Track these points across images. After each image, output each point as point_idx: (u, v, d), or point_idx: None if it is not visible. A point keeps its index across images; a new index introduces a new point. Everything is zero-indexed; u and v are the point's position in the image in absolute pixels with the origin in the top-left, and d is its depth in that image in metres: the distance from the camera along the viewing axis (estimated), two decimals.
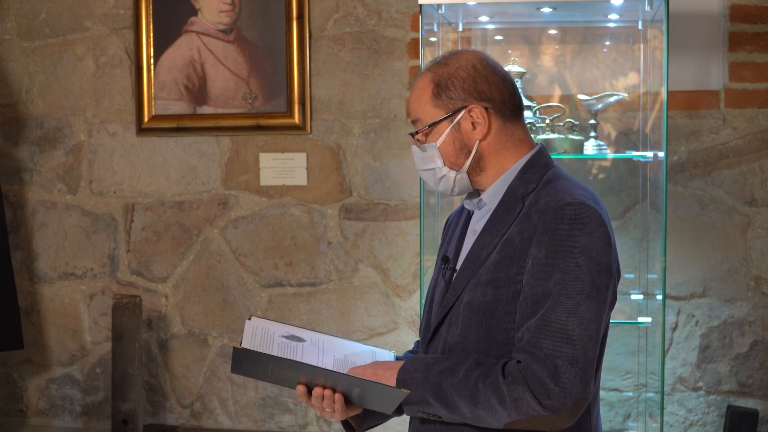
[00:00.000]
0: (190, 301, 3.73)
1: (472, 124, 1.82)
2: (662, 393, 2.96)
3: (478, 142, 1.83)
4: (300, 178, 3.62)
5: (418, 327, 3.38)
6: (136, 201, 3.75)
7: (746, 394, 3.38)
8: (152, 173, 3.73)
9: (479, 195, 1.89)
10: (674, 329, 3.40)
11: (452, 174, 1.85)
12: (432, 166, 1.86)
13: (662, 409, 2.97)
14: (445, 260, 1.91)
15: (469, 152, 1.84)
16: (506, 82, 1.87)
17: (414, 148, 1.90)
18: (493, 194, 1.85)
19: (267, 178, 3.64)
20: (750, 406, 3.34)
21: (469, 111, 1.82)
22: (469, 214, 1.94)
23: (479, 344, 1.76)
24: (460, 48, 3.39)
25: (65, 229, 3.80)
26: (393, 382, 1.75)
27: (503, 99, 1.84)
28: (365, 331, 3.60)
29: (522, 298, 1.71)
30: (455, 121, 1.83)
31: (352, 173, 3.60)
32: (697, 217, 3.38)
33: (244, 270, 3.68)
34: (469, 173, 1.85)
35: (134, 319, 3.53)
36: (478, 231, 1.86)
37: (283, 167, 3.63)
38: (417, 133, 1.85)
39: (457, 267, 1.88)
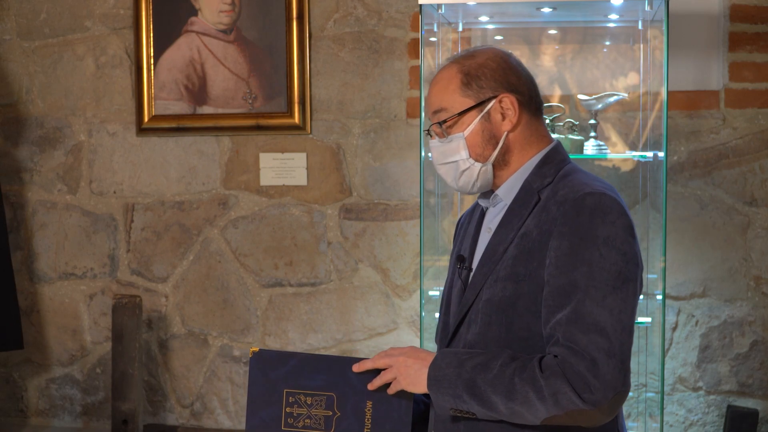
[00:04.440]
0: (190, 301, 3.73)
1: (502, 114, 1.80)
2: (662, 393, 2.96)
3: (506, 133, 1.81)
4: (300, 178, 3.62)
5: (418, 327, 3.38)
6: (136, 201, 3.75)
7: (746, 394, 3.38)
8: (152, 173, 3.73)
9: (493, 193, 1.87)
10: (674, 329, 3.40)
11: (477, 167, 1.81)
12: (455, 158, 1.82)
13: (662, 409, 2.97)
14: (461, 260, 1.87)
15: (497, 143, 1.81)
16: (531, 79, 1.86)
17: (434, 142, 1.85)
18: (508, 189, 1.83)
19: (267, 178, 3.64)
20: (750, 406, 3.34)
21: (500, 101, 1.80)
22: (482, 213, 1.91)
23: (500, 341, 1.73)
24: (460, 48, 3.40)
25: (65, 229, 3.80)
26: (423, 377, 1.71)
27: (530, 94, 1.84)
28: (365, 331, 3.60)
29: (547, 291, 1.68)
30: (485, 110, 1.80)
31: (352, 173, 3.60)
32: (697, 217, 3.38)
33: (244, 270, 3.68)
34: (493, 166, 1.82)
35: (134, 319, 3.53)
36: (493, 228, 1.82)
37: (283, 167, 3.63)
38: (444, 122, 1.81)
39: (473, 266, 1.85)
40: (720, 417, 3.39)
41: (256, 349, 1.77)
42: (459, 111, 1.80)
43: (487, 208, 1.90)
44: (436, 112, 1.83)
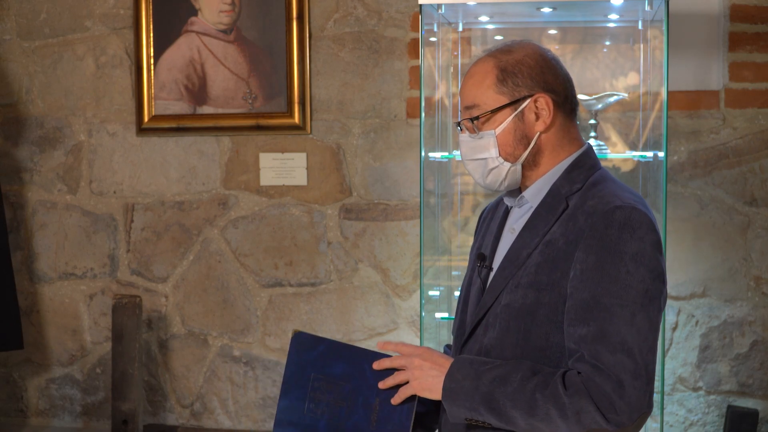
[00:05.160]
0: (190, 301, 3.73)
1: (536, 114, 1.76)
2: (662, 393, 2.96)
3: (538, 134, 1.77)
4: (300, 178, 3.62)
5: (418, 327, 3.38)
6: (136, 201, 3.75)
7: (746, 394, 3.38)
8: (152, 173, 3.73)
9: (520, 192, 1.83)
10: (674, 329, 3.40)
11: (506, 166, 1.77)
12: (485, 155, 1.78)
13: (662, 409, 2.97)
14: (482, 258, 1.83)
15: (528, 143, 1.76)
16: (568, 78, 1.81)
17: (464, 136, 1.81)
18: (535, 192, 1.79)
19: (267, 178, 3.64)
20: (750, 406, 3.34)
21: (535, 100, 1.75)
22: (507, 211, 1.87)
23: (516, 349, 1.70)
24: (460, 48, 3.40)
25: (65, 229, 3.80)
26: (439, 385, 1.69)
27: (566, 94, 1.79)
28: (365, 331, 3.60)
29: (570, 304, 1.65)
30: (519, 109, 1.75)
31: (352, 173, 3.60)
32: (697, 217, 3.38)
33: (244, 270, 3.68)
34: (522, 167, 1.78)
35: (134, 319, 3.53)
36: (517, 230, 1.79)
37: (283, 167, 3.63)
38: (477, 118, 1.77)
39: (493, 266, 1.81)
40: (720, 417, 3.39)
41: (298, 330, 1.80)
42: (492, 108, 1.76)
43: (511, 207, 1.86)
44: (468, 107, 1.79)
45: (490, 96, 1.76)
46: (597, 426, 1.57)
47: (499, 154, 1.77)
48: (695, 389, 3.41)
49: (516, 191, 1.84)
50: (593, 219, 1.66)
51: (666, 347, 3.36)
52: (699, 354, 3.40)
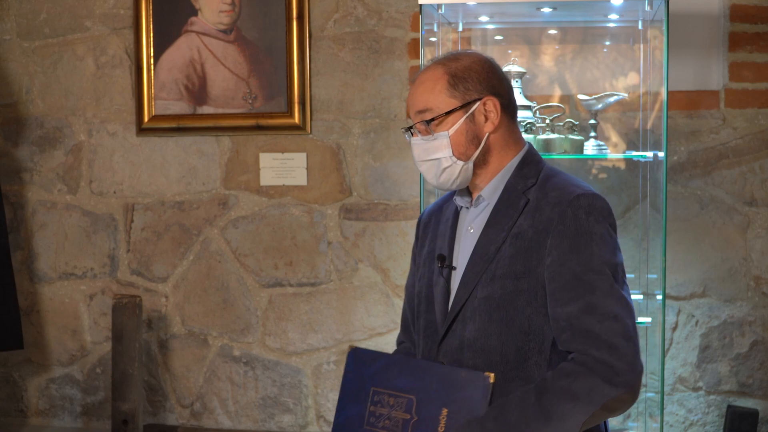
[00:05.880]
0: (190, 301, 3.73)
1: (485, 116, 1.88)
2: (662, 393, 2.96)
3: (488, 134, 1.89)
4: (300, 178, 3.62)
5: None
6: (136, 201, 3.75)
7: (746, 394, 3.38)
8: (152, 173, 3.73)
9: (470, 193, 1.94)
10: (674, 329, 3.40)
11: (459, 164, 1.88)
12: (438, 155, 1.89)
13: (662, 409, 2.97)
14: (441, 259, 1.93)
15: (479, 143, 1.88)
16: (509, 84, 1.96)
17: (416, 139, 1.92)
18: (491, 191, 1.90)
19: (267, 178, 3.64)
20: (750, 406, 3.34)
21: (484, 103, 1.88)
22: (456, 213, 1.97)
23: (500, 336, 1.80)
24: (460, 48, 3.40)
25: (65, 229, 3.80)
26: None
27: (509, 98, 1.93)
28: (365, 331, 3.60)
29: (554, 287, 1.76)
30: (470, 111, 1.87)
31: (352, 173, 3.60)
32: (697, 217, 3.38)
33: (244, 270, 3.68)
34: (474, 165, 1.90)
35: (134, 319, 3.53)
36: (477, 228, 1.89)
37: (283, 167, 3.63)
38: (432, 120, 1.88)
39: (455, 264, 1.90)
40: (720, 417, 3.39)
41: (354, 346, 1.87)
42: (446, 111, 1.87)
43: (461, 207, 1.96)
44: (421, 111, 1.90)
45: (442, 100, 1.88)
46: (608, 397, 1.67)
47: (453, 154, 1.88)
48: (695, 389, 3.41)
49: (465, 192, 1.95)
50: (560, 208, 1.80)
51: (666, 347, 3.36)
52: (699, 354, 3.39)
